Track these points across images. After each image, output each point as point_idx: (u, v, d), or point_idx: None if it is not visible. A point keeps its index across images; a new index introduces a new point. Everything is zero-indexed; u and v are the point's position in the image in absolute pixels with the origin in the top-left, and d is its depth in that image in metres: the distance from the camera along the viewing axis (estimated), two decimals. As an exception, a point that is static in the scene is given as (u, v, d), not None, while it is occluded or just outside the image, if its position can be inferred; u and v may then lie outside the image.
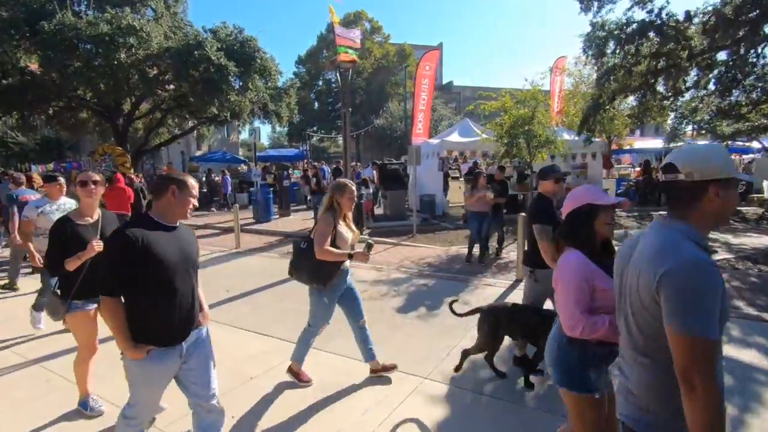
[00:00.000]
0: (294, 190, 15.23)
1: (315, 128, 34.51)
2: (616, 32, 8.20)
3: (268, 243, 9.42)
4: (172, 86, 15.17)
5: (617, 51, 8.25)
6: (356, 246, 3.22)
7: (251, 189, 14.61)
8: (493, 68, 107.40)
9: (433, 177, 12.30)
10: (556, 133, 9.80)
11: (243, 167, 21.30)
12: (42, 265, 4.08)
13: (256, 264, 7.48)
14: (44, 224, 4.08)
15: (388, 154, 30.02)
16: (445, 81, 44.16)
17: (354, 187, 3.14)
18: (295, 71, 40.15)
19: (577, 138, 11.40)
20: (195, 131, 21.65)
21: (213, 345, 2.28)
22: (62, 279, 2.81)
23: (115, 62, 11.49)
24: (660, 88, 9.70)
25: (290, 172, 18.37)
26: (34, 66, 13.35)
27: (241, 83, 14.05)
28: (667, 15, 7.63)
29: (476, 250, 7.05)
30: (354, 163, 14.84)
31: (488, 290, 5.52)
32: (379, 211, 12.61)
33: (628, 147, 17.72)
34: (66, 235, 2.71)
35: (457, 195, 14.51)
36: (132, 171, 12.80)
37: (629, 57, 8.21)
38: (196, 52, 12.28)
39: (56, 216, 4.15)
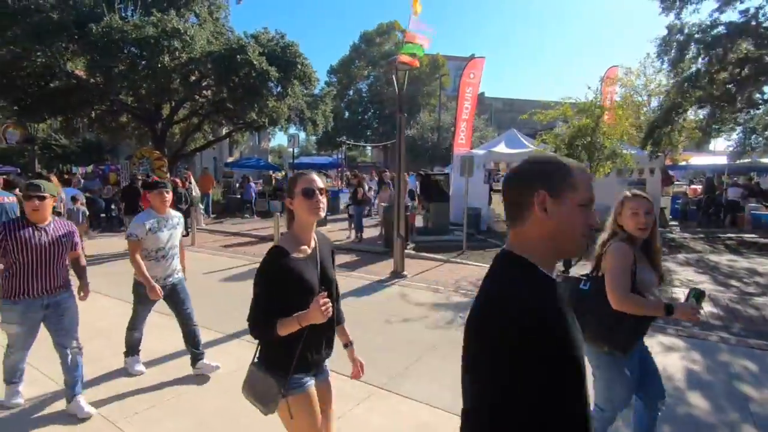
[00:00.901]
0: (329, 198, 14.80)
1: (344, 137, 34.46)
2: (698, 35, 7.42)
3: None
4: (210, 91, 15.13)
5: (701, 56, 7.45)
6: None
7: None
8: (525, 81, 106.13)
9: (478, 190, 11.64)
10: (622, 145, 9.03)
11: (278, 174, 21.19)
12: (161, 297, 3.25)
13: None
14: (151, 245, 3.28)
15: (418, 164, 29.52)
16: (477, 92, 43.45)
17: (641, 199, 2.08)
18: (326, 80, 40.39)
19: (634, 152, 10.54)
20: (229, 137, 21.70)
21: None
22: (270, 343, 1.70)
23: (159, 65, 11.43)
24: (738, 98, 8.82)
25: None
26: (79, 72, 13.53)
27: (280, 89, 13.83)
28: (764, 16, 6.81)
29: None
30: (385, 173, 14.25)
31: (569, 322, 4.79)
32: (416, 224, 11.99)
33: (683, 163, 16.54)
34: (286, 278, 1.66)
35: (500, 209, 13.76)
36: (168, 175, 12.70)
37: (713, 63, 7.40)
38: (238, 56, 12.12)
39: (165, 235, 3.31)
